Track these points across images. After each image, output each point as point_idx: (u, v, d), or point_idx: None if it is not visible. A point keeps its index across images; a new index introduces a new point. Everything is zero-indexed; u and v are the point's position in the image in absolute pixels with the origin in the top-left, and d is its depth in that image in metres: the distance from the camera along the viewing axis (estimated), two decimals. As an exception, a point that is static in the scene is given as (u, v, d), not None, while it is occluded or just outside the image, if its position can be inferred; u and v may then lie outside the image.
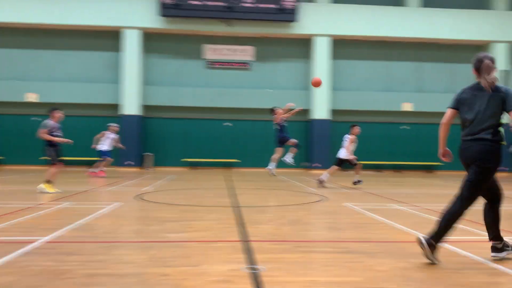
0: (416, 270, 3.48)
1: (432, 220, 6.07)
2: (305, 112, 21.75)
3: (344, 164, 11.65)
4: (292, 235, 4.89)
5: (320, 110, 20.95)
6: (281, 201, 8.32)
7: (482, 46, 22.00)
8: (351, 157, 11.35)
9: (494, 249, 3.84)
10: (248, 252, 3.97)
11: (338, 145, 11.83)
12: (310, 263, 3.72)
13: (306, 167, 21.46)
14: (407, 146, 21.87)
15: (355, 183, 11.43)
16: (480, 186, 3.72)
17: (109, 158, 14.84)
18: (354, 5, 21.16)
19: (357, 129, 11.55)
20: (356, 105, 21.58)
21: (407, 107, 21.56)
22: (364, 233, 5.05)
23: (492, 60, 3.72)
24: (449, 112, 3.92)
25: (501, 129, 3.68)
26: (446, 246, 4.35)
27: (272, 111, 12.35)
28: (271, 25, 20.68)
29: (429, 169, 21.78)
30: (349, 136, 11.54)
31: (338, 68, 21.71)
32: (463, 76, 22.09)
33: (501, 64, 21.20)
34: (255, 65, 21.69)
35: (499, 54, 21.26)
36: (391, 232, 5.14)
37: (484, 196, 3.86)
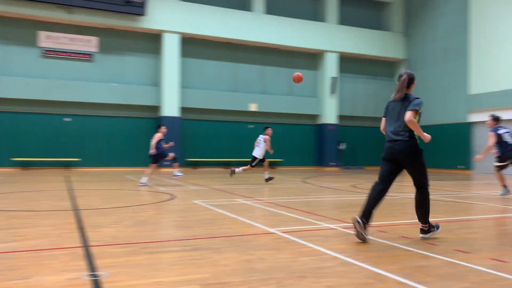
0: (259, 261, 3.66)
1: (275, 212, 6.51)
2: (155, 109, 21.30)
3: (259, 163, 12.67)
4: (137, 236, 4.70)
5: (170, 107, 20.73)
6: (127, 202, 7.94)
7: (317, 54, 24.47)
8: (260, 156, 12.46)
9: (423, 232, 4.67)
10: (89, 259, 3.67)
11: (189, 143, 11.92)
12: (157, 264, 3.62)
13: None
14: (253, 144, 23.03)
15: (267, 180, 12.41)
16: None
17: None
18: (203, 5, 21.46)
19: (269, 131, 12.60)
20: (205, 104, 21.94)
21: (253, 107, 22.75)
22: (212, 229, 5.13)
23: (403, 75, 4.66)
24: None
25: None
26: (288, 237, 4.68)
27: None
28: (118, 16, 19.68)
29: (272, 165, 23.35)
30: (262, 136, 12.55)
31: (188, 66, 21.78)
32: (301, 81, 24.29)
33: (332, 71, 23.92)
34: (99, 57, 20.37)
35: (330, 62, 23.95)
36: (237, 227, 5.33)
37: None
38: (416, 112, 4.46)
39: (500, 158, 9.09)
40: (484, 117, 20.90)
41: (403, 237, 4.77)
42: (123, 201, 8.02)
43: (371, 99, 25.60)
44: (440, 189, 11.40)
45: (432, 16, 23.95)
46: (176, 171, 12.00)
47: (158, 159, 11.63)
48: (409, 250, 4.12)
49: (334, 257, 3.84)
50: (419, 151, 4.53)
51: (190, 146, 21.55)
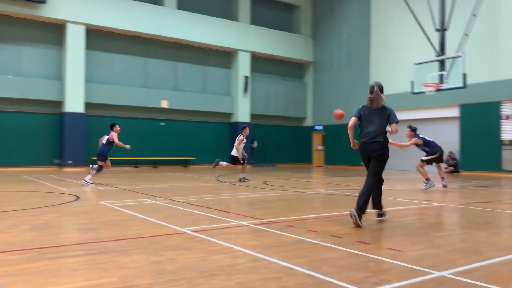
0: (170, 262, 3.57)
1: (186, 212, 6.41)
2: (57, 104, 19.89)
3: (238, 162, 12.85)
4: (36, 241, 4.33)
5: (74, 103, 19.49)
6: (24, 204, 7.30)
7: (230, 53, 24.62)
8: (239, 155, 12.65)
9: (380, 216, 5.75)
10: (-23, 268, 3.30)
11: (95, 141, 11.16)
12: (58, 270, 3.36)
13: (59, 164, 19.67)
14: (164, 142, 22.58)
15: (241, 179, 12.66)
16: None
17: None
18: (111, -4, 20.49)
19: (247, 130, 12.99)
20: (113, 99, 20.96)
21: (164, 104, 22.24)
22: (120, 231, 4.91)
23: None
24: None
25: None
26: (200, 236, 4.64)
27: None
28: (14, 2, 18.02)
29: (184, 163, 23.05)
30: (240, 136, 12.76)
31: (94, 59, 20.65)
32: (214, 78, 24.29)
33: (244, 70, 24.23)
34: (-8, 46, 18.52)
35: (243, 61, 24.24)
36: (147, 227, 5.16)
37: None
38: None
39: (429, 153, 10.57)
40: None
41: (310, 231, 4.97)
42: (19, 204, 7.36)
43: (282, 98, 26.41)
44: (344, 184, 12.11)
45: (338, 21, 25.35)
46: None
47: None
48: (316, 243, 4.30)
49: (245, 253, 3.88)
50: (388, 150, 5.64)
51: (96, 144, 20.43)
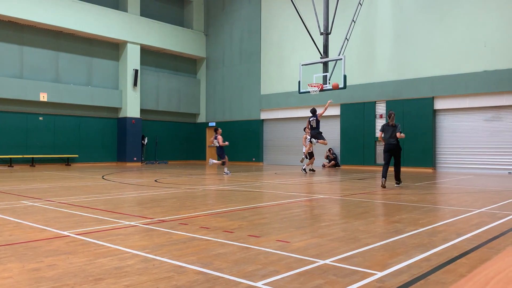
0: (50, 268, 3.28)
1: (69, 213, 5.95)
2: None
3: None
4: None
5: None
6: None
7: (118, 44, 23.46)
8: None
9: (396, 183, 10.64)
10: None
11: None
12: None
13: None
14: (44, 138, 20.73)
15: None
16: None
17: None
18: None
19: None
20: (-19, 91, 18.64)
21: (43, 97, 20.40)
22: (-11, 238, 4.38)
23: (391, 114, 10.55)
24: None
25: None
26: (84, 239, 4.34)
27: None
28: None
29: (66, 161, 21.44)
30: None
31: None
32: (101, 71, 22.93)
33: (134, 63, 23.30)
34: None
35: (132, 54, 23.28)
36: (22, 232, 4.68)
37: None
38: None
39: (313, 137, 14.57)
40: (272, 115, 23.55)
41: (202, 227, 4.96)
42: None
43: (174, 94, 25.96)
44: (236, 180, 12.34)
45: (230, 19, 25.67)
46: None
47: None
48: (208, 240, 4.30)
49: (134, 254, 3.72)
50: (400, 148, 10.45)
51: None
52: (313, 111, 14.93)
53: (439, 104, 18.00)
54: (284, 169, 18.16)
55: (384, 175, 10.19)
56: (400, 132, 10.21)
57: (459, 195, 8.70)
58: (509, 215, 6.03)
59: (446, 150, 17.97)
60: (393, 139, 10.26)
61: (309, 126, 14.83)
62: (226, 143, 14.97)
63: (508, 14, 16.25)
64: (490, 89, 16.59)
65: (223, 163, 14.87)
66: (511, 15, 16.18)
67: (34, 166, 19.92)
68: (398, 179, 10.62)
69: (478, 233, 4.73)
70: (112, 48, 23.32)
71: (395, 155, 10.42)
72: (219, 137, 14.84)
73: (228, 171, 14.84)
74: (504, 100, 16.44)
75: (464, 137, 17.52)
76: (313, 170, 16.36)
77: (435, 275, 3.16)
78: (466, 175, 14.99)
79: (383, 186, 9.96)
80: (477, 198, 8.17)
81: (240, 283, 2.96)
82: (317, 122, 14.74)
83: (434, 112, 18.15)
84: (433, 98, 18.04)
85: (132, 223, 5.25)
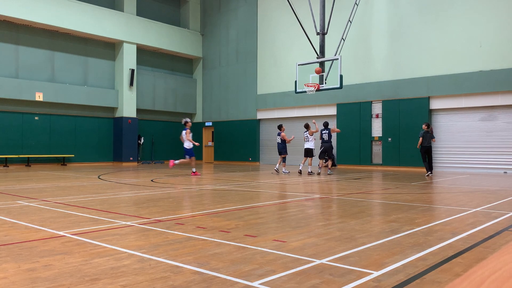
0: (45, 269, 3.27)
1: (65, 213, 5.93)
2: None
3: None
4: None
5: None
6: None
7: (114, 44, 23.40)
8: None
9: (429, 172, 14.47)
10: None
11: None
12: None
13: None
14: (39, 138, 20.65)
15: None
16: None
17: None
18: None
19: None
20: (-24, 90, 18.54)
21: (39, 96, 20.32)
22: (-16, 238, 4.36)
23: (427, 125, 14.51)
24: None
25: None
26: (80, 239, 4.33)
27: None
28: None
29: (62, 161, 21.36)
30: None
31: (-48, 43, 18.01)
32: (97, 70, 22.87)
33: (130, 63, 23.24)
34: None
35: (129, 54, 23.22)
36: (18, 232, 4.66)
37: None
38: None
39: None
40: (269, 115, 23.57)
41: (199, 227, 4.96)
42: None
43: (171, 94, 25.92)
44: (233, 180, 12.34)
45: (226, 18, 25.65)
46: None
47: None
48: (205, 240, 4.30)
49: (130, 254, 3.72)
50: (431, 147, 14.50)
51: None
52: (326, 124, 15.08)
53: (435, 104, 18.06)
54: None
55: (428, 169, 14.42)
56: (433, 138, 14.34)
57: (454, 195, 8.74)
58: (504, 214, 6.06)
59: (442, 150, 18.03)
60: (430, 142, 14.33)
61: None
62: (293, 136, 15.86)
63: (503, 15, 16.33)
64: (485, 89, 16.67)
65: (284, 159, 15.25)
66: (506, 15, 16.27)
67: (30, 166, 19.84)
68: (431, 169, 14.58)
69: (474, 232, 4.76)
70: (108, 48, 23.26)
71: (429, 153, 14.45)
72: (283, 133, 15.20)
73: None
74: (499, 100, 16.52)
75: (460, 137, 17.59)
76: (314, 172, 16.23)
77: (430, 275, 3.17)
78: (461, 175, 15.06)
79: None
80: (473, 197, 8.21)
81: (237, 283, 2.96)
82: (329, 135, 14.84)
83: (430, 111, 18.22)
84: (429, 98, 18.10)
85: (128, 223, 5.24)
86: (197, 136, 27.14)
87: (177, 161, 14.31)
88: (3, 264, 3.38)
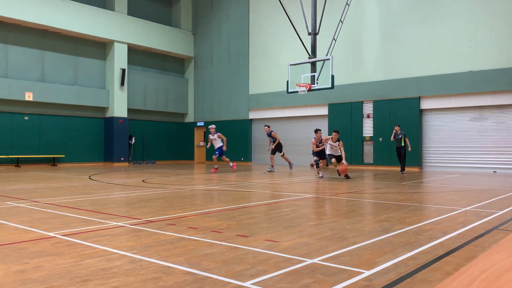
0: (35, 270, 3.24)
1: (55, 214, 5.88)
2: None
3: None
4: None
5: None
6: None
7: (105, 43, 23.25)
8: None
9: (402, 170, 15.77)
10: None
11: None
12: None
13: None
14: (29, 138, 20.45)
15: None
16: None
17: None
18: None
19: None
20: (-35, 90, 18.31)
21: (29, 96, 20.12)
22: (-27, 240, 4.30)
23: None
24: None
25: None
26: (71, 240, 4.30)
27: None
28: None
29: (52, 162, 21.18)
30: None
31: None
32: (88, 70, 22.70)
33: (121, 63, 23.11)
34: None
35: (120, 53, 23.09)
36: (6, 234, 4.61)
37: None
38: None
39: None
40: (261, 115, 23.57)
41: (191, 227, 4.94)
42: None
43: (162, 93, 25.81)
44: (225, 180, 12.32)
45: (218, 18, 25.60)
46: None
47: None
48: (196, 240, 4.28)
49: (121, 255, 3.69)
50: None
51: None
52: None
53: (425, 104, 18.19)
54: (277, 169, 18.16)
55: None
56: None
57: (445, 194, 8.81)
58: (494, 213, 6.12)
59: (432, 149, 18.17)
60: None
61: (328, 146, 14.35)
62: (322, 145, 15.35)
63: (493, 16, 16.49)
64: (475, 89, 16.82)
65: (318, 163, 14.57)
66: (496, 16, 16.43)
67: (20, 166, 19.64)
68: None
69: (464, 231, 4.80)
70: (99, 47, 23.10)
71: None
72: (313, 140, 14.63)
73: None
74: (489, 100, 16.68)
75: (450, 137, 17.74)
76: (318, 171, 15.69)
77: (421, 274, 3.19)
78: (452, 174, 15.18)
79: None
80: (463, 196, 8.28)
81: (229, 283, 2.95)
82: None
83: (421, 111, 18.34)
84: (419, 98, 18.22)
85: (120, 224, 5.21)
86: (188, 136, 27.09)
87: (232, 163, 16.63)
88: (-8, 266, 3.34)
